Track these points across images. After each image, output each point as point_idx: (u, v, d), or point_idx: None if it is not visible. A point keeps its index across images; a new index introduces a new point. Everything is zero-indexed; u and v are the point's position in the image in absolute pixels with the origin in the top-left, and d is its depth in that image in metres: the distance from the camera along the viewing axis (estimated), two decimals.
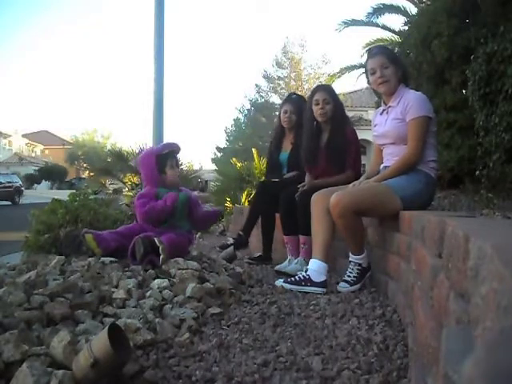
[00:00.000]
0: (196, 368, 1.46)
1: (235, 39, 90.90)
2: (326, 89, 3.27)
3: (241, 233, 3.64)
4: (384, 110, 2.58)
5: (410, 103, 2.40)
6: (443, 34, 4.50)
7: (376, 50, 2.70)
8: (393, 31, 8.75)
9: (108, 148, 20.24)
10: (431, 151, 2.46)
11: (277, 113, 4.02)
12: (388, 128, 2.50)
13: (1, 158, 47.00)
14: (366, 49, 9.30)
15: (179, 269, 2.42)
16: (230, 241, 3.71)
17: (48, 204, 3.85)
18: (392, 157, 2.52)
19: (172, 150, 3.08)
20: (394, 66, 2.51)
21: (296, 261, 3.17)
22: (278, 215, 3.49)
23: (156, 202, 2.85)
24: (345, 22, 9.22)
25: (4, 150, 49.43)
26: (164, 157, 3.01)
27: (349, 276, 2.53)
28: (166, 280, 2.25)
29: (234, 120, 33.78)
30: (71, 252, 2.72)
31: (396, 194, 2.31)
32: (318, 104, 3.08)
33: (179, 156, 3.25)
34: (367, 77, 2.63)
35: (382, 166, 2.63)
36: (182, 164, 6.49)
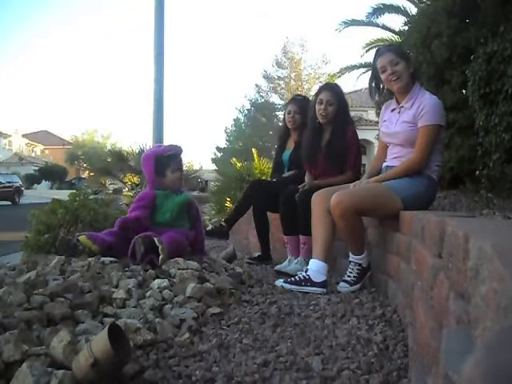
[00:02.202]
0: (196, 368, 1.46)
1: (235, 39, 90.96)
2: (331, 89, 3.22)
3: (223, 223, 3.55)
4: (395, 109, 2.53)
5: (425, 108, 2.34)
6: (443, 33, 4.49)
7: (383, 48, 2.63)
8: (393, 31, 8.73)
9: (108, 148, 20.24)
10: (437, 156, 2.44)
11: (277, 113, 4.04)
12: (398, 129, 2.46)
13: (1, 158, 46.99)
14: (367, 49, 9.30)
15: (179, 269, 2.41)
16: (209, 227, 3.61)
17: (48, 204, 3.85)
18: (395, 157, 2.50)
19: (174, 153, 3.05)
20: (404, 61, 2.46)
21: (296, 261, 3.17)
22: (277, 215, 3.49)
23: (144, 211, 2.85)
24: (345, 22, 9.20)
25: (4, 150, 49.42)
26: (166, 159, 2.98)
27: (349, 276, 2.53)
28: (166, 280, 2.25)
29: (234, 120, 33.80)
30: (68, 256, 2.73)
31: (397, 195, 2.31)
32: (321, 103, 3.09)
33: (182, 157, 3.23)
34: (374, 78, 2.57)
35: (384, 165, 2.62)
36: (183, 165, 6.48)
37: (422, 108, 2.36)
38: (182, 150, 3.12)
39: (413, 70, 2.49)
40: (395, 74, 2.44)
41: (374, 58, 2.59)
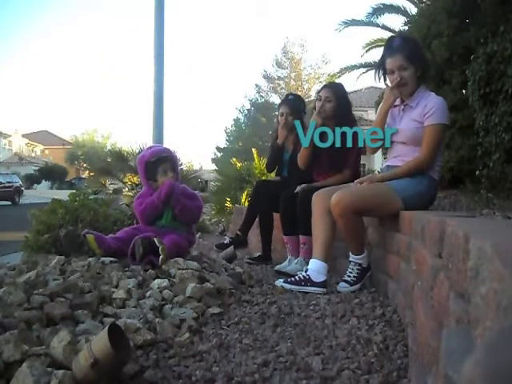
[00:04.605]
0: (196, 368, 1.46)
1: (235, 39, 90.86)
2: (331, 87, 3.23)
3: (239, 232, 3.65)
4: (398, 106, 2.52)
5: (433, 109, 2.35)
6: (443, 33, 4.49)
7: (396, 44, 2.49)
8: (393, 31, 8.71)
9: (108, 148, 20.24)
10: (439, 156, 2.46)
11: (276, 113, 4.03)
12: (403, 127, 2.45)
13: (1, 158, 47.00)
14: (367, 49, 9.30)
15: (179, 269, 2.41)
16: (227, 240, 3.71)
17: (48, 204, 3.85)
18: (396, 156, 2.49)
19: (159, 158, 2.92)
20: (413, 66, 2.44)
21: (296, 261, 3.17)
22: (277, 215, 3.49)
23: (151, 197, 2.86)
24: (345, 22, 9.19)
25: (4, 150, 49.42)
26: (153, 164, 2.91)
27: (349, 276, 2.53)
28: (166, 280, 2.25)
29: (234, 120, 33.88)
30: (71, 251, 2.71)
31: (397, 194, 2.31)
32: (320, 100, 3.11)
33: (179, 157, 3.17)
34: (382, 71, 2.54)
35: (385, 164, 2.62)
36: (181, 164, 6.46)
37: (429, 107, 2.36)
38: (169, 153, 2.99)
39: (420, 73, 2.47)
40: (402, 80, 2.43)
41: (385, 48, 2.54)
